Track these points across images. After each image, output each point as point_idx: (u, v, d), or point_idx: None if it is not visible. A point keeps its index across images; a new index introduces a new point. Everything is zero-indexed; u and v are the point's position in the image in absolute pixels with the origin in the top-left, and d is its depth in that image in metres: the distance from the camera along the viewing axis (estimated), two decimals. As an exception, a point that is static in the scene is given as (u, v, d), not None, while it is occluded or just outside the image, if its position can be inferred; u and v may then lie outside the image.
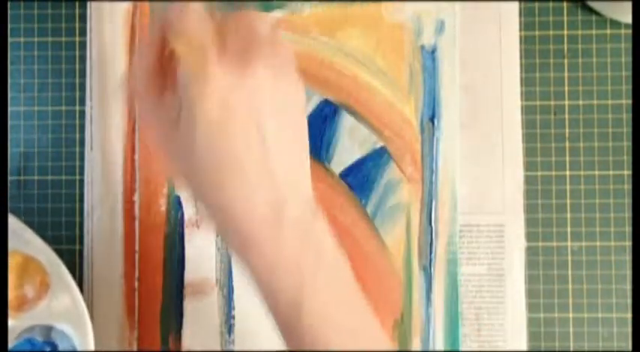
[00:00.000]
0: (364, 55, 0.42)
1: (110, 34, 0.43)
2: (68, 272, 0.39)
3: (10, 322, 0.38)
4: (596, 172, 0.43)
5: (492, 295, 0.42)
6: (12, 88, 0.44)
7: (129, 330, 0.42)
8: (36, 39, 0.44)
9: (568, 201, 0.43)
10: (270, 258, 0.28)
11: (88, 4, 0.43)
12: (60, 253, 0.41)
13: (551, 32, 0.43)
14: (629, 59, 0.43)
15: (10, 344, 0.38)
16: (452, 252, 0.42)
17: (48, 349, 0.38)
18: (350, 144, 0.42)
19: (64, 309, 0.38)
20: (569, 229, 0.43)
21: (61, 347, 0.38)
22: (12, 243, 0.38)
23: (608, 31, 0.43)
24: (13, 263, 0.38)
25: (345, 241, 0.42)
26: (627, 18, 0.42)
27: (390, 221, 0.42)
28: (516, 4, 0.42)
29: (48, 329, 0.38)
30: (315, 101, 0.42)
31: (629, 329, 0.42)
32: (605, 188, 0.43)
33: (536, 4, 0.43)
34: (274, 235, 0.28)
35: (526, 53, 0.43)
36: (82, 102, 0.44)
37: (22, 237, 0.38)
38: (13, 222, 0.38)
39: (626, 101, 0.43)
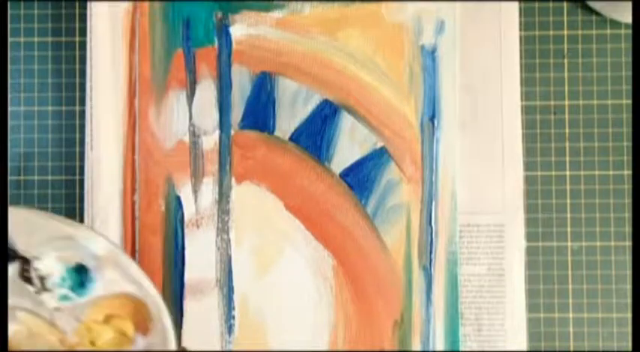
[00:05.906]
0: (364, 55, 0.42)
1: (110, 34, 0.43)
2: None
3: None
4: (596, 172, 0.43)
5: (492, 295, 0.42)
6: (12, 88, 0.44)
7: (129, 330, 0.42)
8: (36, 39, 0.44)
9: (568, 201, 0.43)
10: None
11: (88, 4, 0.43)
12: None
13: (551, 32, 0.43)
14: (629, 59, 0.43)
15: None
16: (452, 252, 0.42)
17: None
18: (350, 144, 0.42)
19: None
20: (569, 229, 0.43)
21: None
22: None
23: (608, 31, 0.43)
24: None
25: (345, 241, 0.42)
26: (627, 18, 0.42)
27: (390, 221, 0.42)
28: (516, 4, 0.42)
29: None
30: (315, 101, 0.42)
31: (629, 329, 0.42)
32: (605, 188, 0.43)
33: (536, 4, 0.43)
34: None
35: (526, 53, 0.43)
36: (82, 102, 0.44)
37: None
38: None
39: (626, 101, 0.43)
